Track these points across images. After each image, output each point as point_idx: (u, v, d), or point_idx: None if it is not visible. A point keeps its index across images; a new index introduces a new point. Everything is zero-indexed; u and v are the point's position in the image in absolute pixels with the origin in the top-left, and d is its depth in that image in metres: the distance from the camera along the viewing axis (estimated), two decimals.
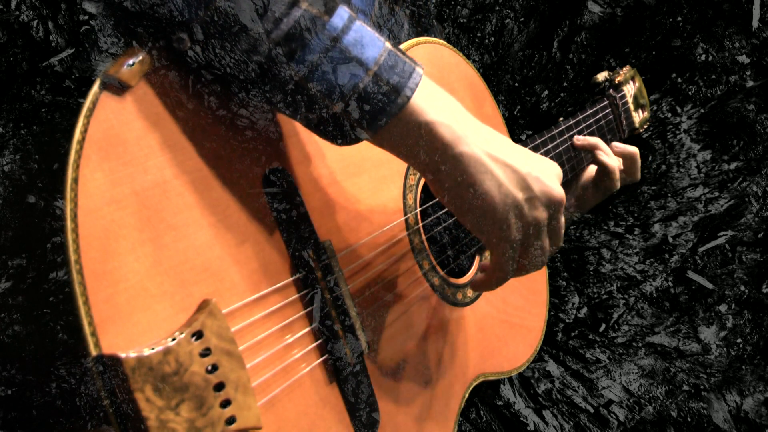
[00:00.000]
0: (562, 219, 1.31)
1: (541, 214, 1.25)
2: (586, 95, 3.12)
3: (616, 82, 1.92)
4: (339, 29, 1.10)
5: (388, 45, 1.15)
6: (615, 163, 1.77)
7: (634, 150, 1.84)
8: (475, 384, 1.52)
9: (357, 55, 1.11)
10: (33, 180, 1.05)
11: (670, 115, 2.76)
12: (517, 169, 1.23)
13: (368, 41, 1.13)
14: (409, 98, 1.15)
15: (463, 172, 1.19)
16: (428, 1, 1.67)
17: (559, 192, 1.27)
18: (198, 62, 1.08)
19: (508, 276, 1.30)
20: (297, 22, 1.08)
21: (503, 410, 2.62)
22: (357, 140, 1.16)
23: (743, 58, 2.77)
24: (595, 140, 1.77)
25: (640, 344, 2.74)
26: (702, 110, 2.76)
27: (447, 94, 1.22)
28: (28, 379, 0.99)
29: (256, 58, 1.08)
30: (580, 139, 1.75)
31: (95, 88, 1.01)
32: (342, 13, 1.11)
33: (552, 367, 2.72)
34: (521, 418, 2.62)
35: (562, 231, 1.32)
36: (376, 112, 1.13)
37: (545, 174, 1.26)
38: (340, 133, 1.15)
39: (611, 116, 1.88)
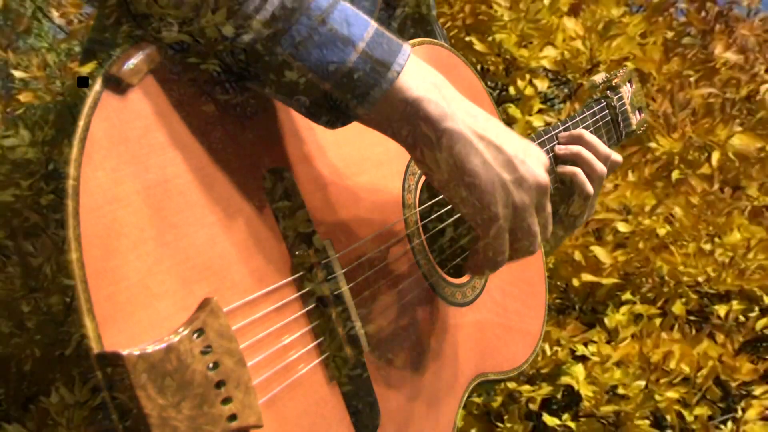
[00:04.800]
0: (549, 206, 1.31)
1: (527, 197, 1.26)
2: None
3: (614, 83, 1.92)
4: (324, 9, 1.12)
5: (374, 24, 1.17)
6: (591, 191, 1.68)
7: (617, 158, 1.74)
8: (474, 384, 1.53)
9: (344, 33, 1.13)
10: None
11: None
12: (504, 150, 1.23)
13: (354, 20, 1.15)
14: (398, 74, 1.17)
15: (449, 148, 1.20)
16: (428, 2, 1.67)
17: (544, 178, 1.28)
18: (184, 48, 1.09)
19: (497, 259, 1.31)
20: (281, 4, 1.09)
21: None
22: (347, 121, 1.18)
23: None
24: (578, 149, 1.69)
25: None
26: None
27: (435, 71, 1.23)
28: (28, 378, 0.99)
29: (241, 41, 1.09)
30: (561, 149, 1.69)
31: (97, 87, 1.02)
32: None
33: None
34: None
35: (550, 219, 1.32)
36: (365, 90, 1.15)
37: (531, 159, 1.27)
38: (331, 115, 1.17)
39: (608, 118, 1.88)
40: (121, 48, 1.07)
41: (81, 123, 0.99)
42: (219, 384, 1.03)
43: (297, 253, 1.21)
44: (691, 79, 3.39)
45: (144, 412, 0.95)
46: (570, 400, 3.09)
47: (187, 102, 1.11)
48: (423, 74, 1.20)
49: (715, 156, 3.18)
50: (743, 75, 3.56)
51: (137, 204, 1.03)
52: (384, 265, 1.36)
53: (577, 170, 1.66)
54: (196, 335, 1.03)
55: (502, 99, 3.28)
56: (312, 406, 1.20)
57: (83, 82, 1.04)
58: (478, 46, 3.07)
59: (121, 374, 0.94)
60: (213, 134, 1.13)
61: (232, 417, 1.04)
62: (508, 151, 1.24)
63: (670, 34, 3.50)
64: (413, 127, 1.19)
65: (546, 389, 2.92)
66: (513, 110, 3.07)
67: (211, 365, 1.03)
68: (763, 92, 3.54)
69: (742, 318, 3.14)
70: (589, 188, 1.66)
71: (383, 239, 1.37)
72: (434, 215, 1.51)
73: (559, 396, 2.98)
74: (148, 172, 1.05)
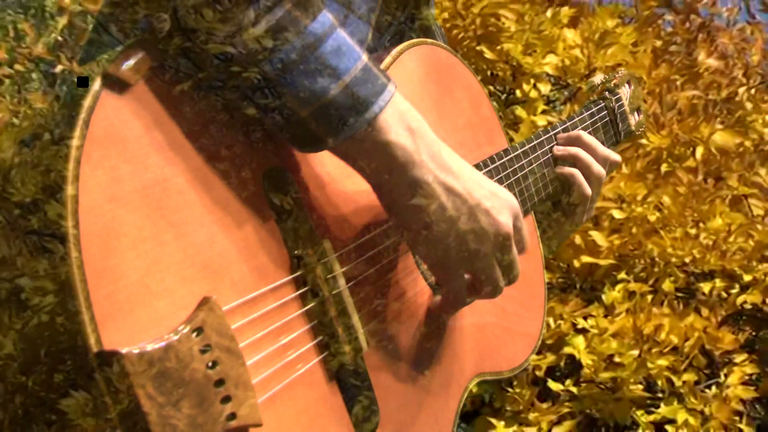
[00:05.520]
0: (513, 253, 1.17)
1: (484, 247, 1.13)
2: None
3: (612, 84, 1.76)
4: (318, 35, 0.98)
5: (364, 58, 1.02)
6: (589, 192, 1.51)
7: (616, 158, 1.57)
8: (473, 384, 1.38)
9: (332, 64, 0.99)
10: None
11: None
12: (467, 200, 1.10)
13: (346, 51, 1.00)
14: (376, 115, 1.02)
15: (409, 197, 1.07)
16: (429, 1, 1.50)
17: (506, 226, 1.13)
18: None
19: (457, 303, 1.20)
20: (277, 22, 0.96)
21: None
22: (318, 149, 1.04)
23: None
24: (576, 151, 1.51)
25: None
26: None
27: (417, 115, 1.08)
28: (27, 378, 0.87)
29: (230, 51, 0.96)
30: (560, 150, 1.51)
31: (96, 86, 0.89)
32: (324, 20, 0.99)
33: None
34: None
35: (514, 264, 1.19)
36: (340, 125, 1.00)
37: (495, 207, 1.12)
38: (302, 139, 1.03)
39: (607, 119, 1.72)
40: (120, 48, 0.96)
41: (80, 122, 0.86)
42: (218, 383, 0.91)
43: (296, 252, 1.07)
44: (678, 83, 3.51)
45: (143, 410, 0.83)
46: (572, 367, 3.08)
47: (187, 101, 0.98)
48: (401, 118, 1.05)
49: (699, 151, 3.20)
50: (723, 79, 3.62)
51: (136, 203, 0.90)
52: (383, 264, 1.22)
53: (575, 171, 1.50)
54: (195, 334, 0.90)
55: (509, 101, 3.31)
56: (311, 404, 1.07)
57: (83, 81, 0.91)
58: (488, 54, 3.09)
59: (121, 373, 0.83)
60: (212, 133, 1.00)
61: (232, 416, 0.91)
62: (472, 201, 1.10)
63: (658, 43, 3.58)
64: (378, 169, 1.06)
65: (550, 358, 2.95)
66: (519, 111, 3.10)
67: (210, 364, 0.90)
68: (741, 94, 3.56)
69: (724, 294, 3.16)
70: (587, 189, 1.50)
71: (382, 239, 1.23)
72: None
73: (562, 364, 3.01)
74: (147, 171, 0.92)
